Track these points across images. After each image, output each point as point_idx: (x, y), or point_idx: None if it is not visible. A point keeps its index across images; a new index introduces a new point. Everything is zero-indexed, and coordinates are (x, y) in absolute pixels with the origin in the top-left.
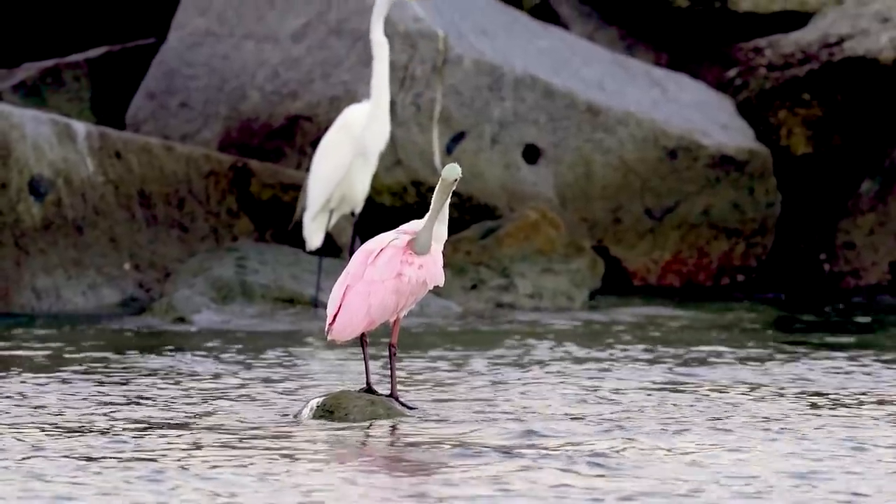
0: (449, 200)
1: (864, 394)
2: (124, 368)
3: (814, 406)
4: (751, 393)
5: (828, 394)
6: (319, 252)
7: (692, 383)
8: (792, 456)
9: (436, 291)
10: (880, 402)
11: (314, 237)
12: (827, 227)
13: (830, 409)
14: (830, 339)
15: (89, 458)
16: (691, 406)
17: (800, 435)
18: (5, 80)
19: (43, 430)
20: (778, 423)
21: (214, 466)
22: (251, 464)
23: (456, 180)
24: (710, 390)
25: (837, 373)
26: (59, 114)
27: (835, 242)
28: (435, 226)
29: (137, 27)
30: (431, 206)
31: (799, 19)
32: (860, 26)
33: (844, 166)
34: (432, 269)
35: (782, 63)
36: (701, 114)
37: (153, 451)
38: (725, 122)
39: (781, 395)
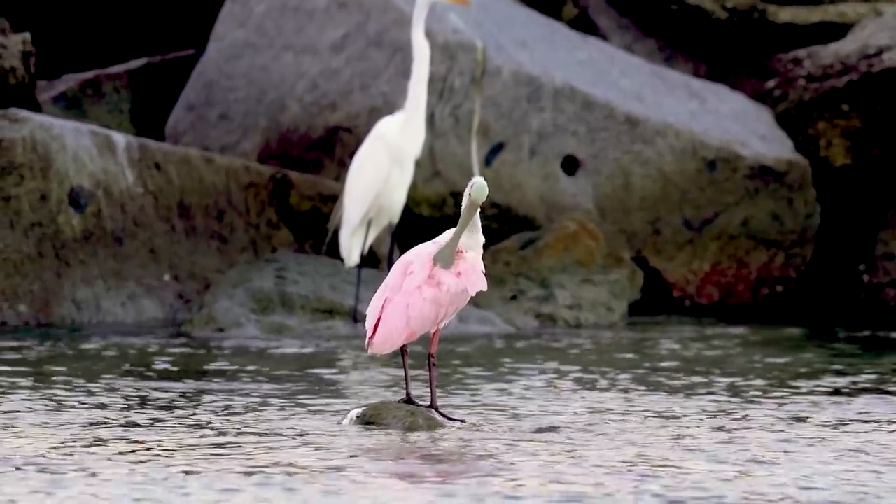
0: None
1: None
2: (164, 380)
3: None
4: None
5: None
6: (359, 263)
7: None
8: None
9: (475, 302)
10: None
11: (353, 254)
12: (866, 239)
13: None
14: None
15: (110, 469)
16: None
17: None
18: (46, 91)
19: (87, 447)
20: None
21: (251, 475)
22: (292, 473)
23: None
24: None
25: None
26: (99, 125)
27: (874, 254)
28: (468, 236)
29: (177, 39)
30: (459, 223)
31: (838, 30)
32: None
33: (884, 177)
34: (472, 276)
35: (821, 74)
36: (740, 125)
37: (197, 462)
38: (764, 132)
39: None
